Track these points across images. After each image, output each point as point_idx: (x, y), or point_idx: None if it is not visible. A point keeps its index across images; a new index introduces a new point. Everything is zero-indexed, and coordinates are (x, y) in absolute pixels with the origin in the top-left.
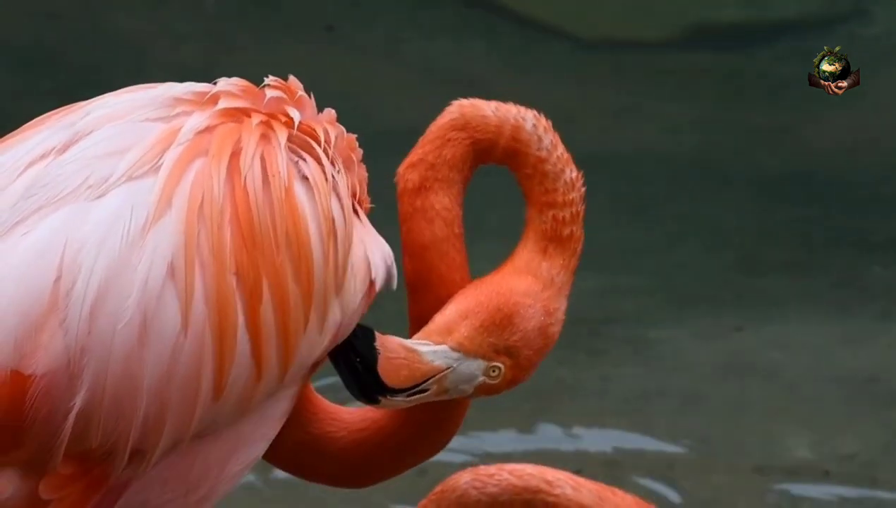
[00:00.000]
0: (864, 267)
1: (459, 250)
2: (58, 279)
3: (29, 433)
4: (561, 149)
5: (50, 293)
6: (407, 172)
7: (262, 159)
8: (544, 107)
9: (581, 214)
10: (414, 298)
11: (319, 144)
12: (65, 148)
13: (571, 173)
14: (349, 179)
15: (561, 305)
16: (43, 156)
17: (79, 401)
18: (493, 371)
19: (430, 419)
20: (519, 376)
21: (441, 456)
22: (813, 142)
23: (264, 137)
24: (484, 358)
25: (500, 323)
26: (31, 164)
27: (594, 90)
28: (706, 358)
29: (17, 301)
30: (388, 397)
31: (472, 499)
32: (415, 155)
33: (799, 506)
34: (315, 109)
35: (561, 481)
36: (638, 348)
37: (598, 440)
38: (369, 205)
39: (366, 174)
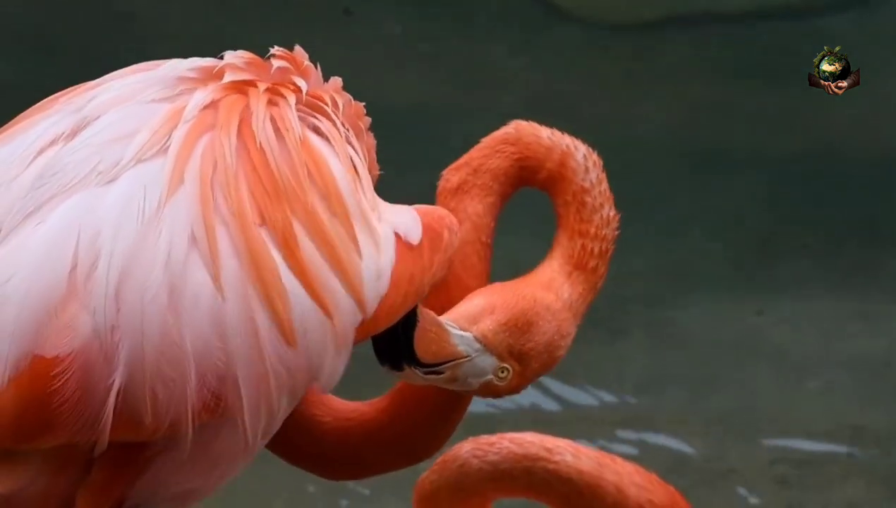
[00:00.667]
0: (877, 249)
1: (482, 258)
2: (74, 265)
3: (60, 415)
4: (605, 186)
5: (67, 280)
6: (449, 173)
7: (273, 120)
8: (553, 90)
9: (609, 253)
10: (430, 295)
11: (327, 112)
12: (72, 134)
13: (610, 211)
14: (360, 146)
15: (572, 331)
16: (52, 144)
17: (118, 378)
18: (503, 372)
19: (418, 423)
20: (519, 385)
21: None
22: (824, 124)
23: (272, 102)
24: (499, 356)
25: (521, 326)
26: (40, 152)
27: (601, 72)
28: (719, 341)
29: (34, 291)
30: (412, 367)
31: (474, 468)
32: (462, 159)
33: (813, 486)
34: (321, 79)
35: (561, 448)
36: (651, 331)
37: (608, 417)
38: (378, 173)
39: (373, 142)
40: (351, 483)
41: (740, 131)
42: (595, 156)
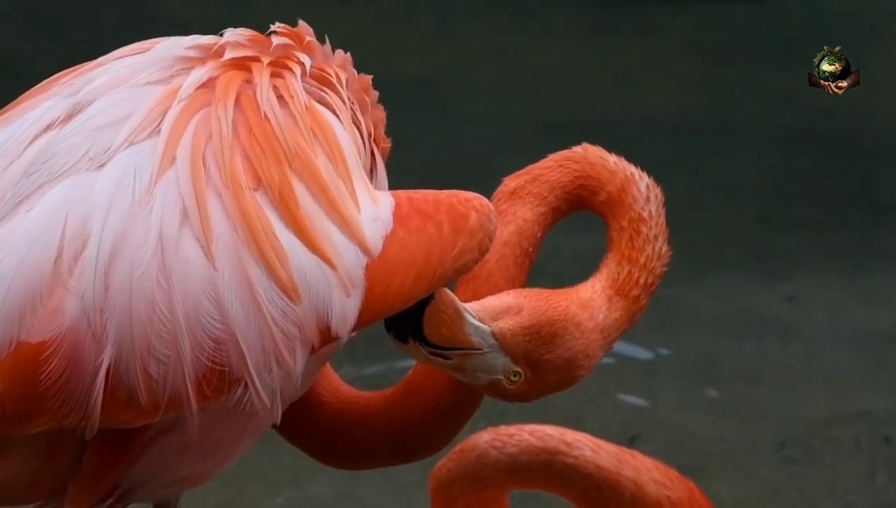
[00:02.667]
0: (881, 224)
1: (519, 265)
2: (62, 250)
3: (47, 399)
4: (662, 221)
5: (54, 265)
6: (509, 179)
7: (277, 88)
8: (557, 67)
9: (654, 287)
10: (459, 281)
11: (332, 85)
12: (67, 119)
13: (662, 246)
14: (364, 120)
15: (599, 355)
16: (46, 129)
17: (106, 358)
18: (514, 376)
19: (417, 418)
20: (529, 394)
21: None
22: (827, 101)
23: (276, 75)
24: (513, 358)
25: (544, 335)
26: (35, 138)
27: (605, 50)
28: (723, 316)
29: (20, 276)
30: (417, 343)
31: (492, 459)
32: (526, 168)
33: (816, 462)
34: (325, 54)
35: (580, 442)
36: (655, 306)
37: (615, 399)
38: (387, 145)
39: (382, 115)
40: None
41: (743, 108)
42: (657, 190)
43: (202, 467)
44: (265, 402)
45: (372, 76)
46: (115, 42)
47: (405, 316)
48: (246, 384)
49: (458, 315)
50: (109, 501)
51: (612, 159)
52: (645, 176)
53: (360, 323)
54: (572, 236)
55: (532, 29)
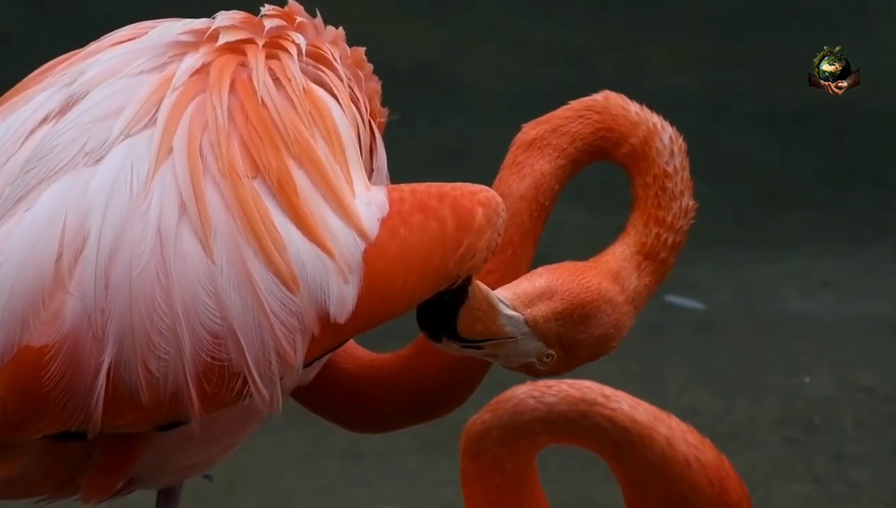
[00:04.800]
0: (882, 202)
1: (535, 219)
2: (62, 252)
3: (49, 403)
4: (687, 173)
5: (55, 267)
6: (528, 127)
7: (273, 71)
8: (560, 45)
9: (681, 245)
10: None
11: (329, 63)
12: (62, 111)
13: (689, 201)
14: (361, 96)
15: (629, 325)
16: (42, 122)
17: (107, 357)
18: (547, 357)
19: (432, 377)
20: (560, 370)
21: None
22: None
23: (272, 56)
24: (546, 343)
25: (577, 317)
26: (31, 132)
27: (608, 26)
28: (723, 294)
29: (21, 279)
30: (450, 341)
31: (529, 408)
32: (546, 116)
33: (819, 440)
34: (317, 30)
35: (619, 396)
36: None
37: (615, 379)
38: (384, 120)
39: (377, 87)
40: None
41: (746, 85)
42: (681, 141)
43: (206, 455)
44: (264, 395)
45: (364, 48)
46: (109, 23)
47: (438, 317)
48: (246, 377)
49: (492, 308)
50: (116, 489)
51: (635, 109)
52: (668, 126)
53: (363, 326)
54: (577, 213)
55: (532, 7)
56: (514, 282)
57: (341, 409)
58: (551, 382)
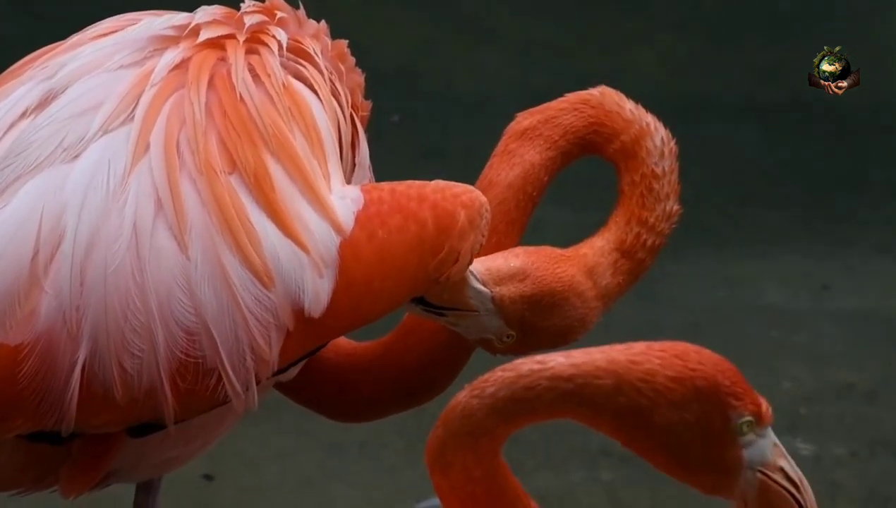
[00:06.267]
0: (862, 202)
1: (521, 208)
2: (37, 250)
3: (23, 401)
4: (675, 178)
5: (30, 266)
6: (522, 116)
7: (252, 67)
8: (543, 42)
9: (660, 248)
10: None
11: (309, 57)
12: (41, 105)
13: (673, 206)
14: (343, 89)
15: (594, 320)
16: (21, 116)
17: (82, 354)
18: (507, 337)
19: (413, 360)
20: (518, 352)
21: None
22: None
23: (252, 51)
24: (508, 323)
25: (544, 305)
26: (10, 127)
27: (589, 24)
28: (705, 294)
29: None
30: (414, 304)
31: (475, 407)
32: (539, 106)
33: (799, 437)
34: (298, 23)
35: (552, 356)
36: (638, 284)
37: None
38: (366, 114)
39: (360, 79)
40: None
41: (728, 82)
42: (672, 144)
43: (184, 451)
44: (238, 392)
45: (347, 41)
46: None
47: None
48: (220, 374)
49: (462, 280)
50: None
51: (629, 106)
52: (661, 127)
53: (340, 328)
54: (559, 210)
55: (516, 5)
56: (489, 257)
57: (325, 399)
58: (485, 376)
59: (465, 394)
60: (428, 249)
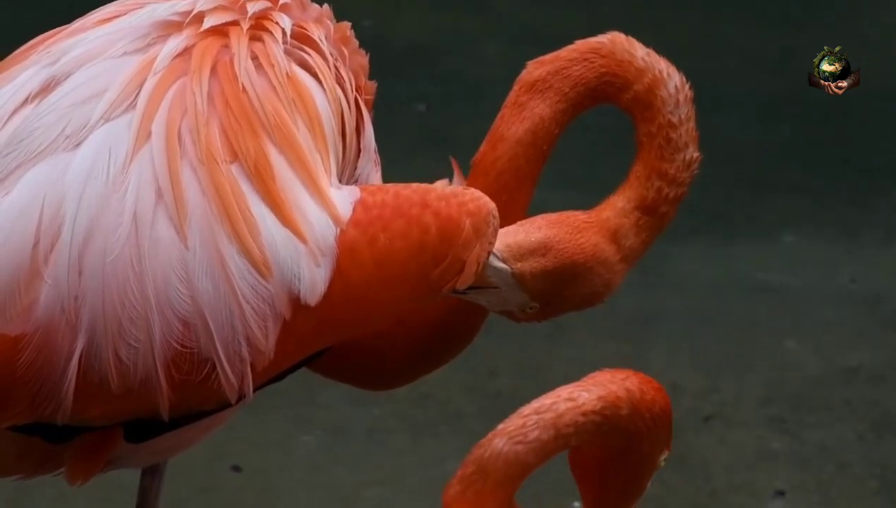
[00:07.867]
0: (869, 187)
1: (532, 162)
2: (38, 239)
3: (21, 389)
4: (692, 124)
5: (31, 255)
6: (533, 66)
7: (256, 56)
8: (546, 26)
9: (682, 198)
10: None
11: (313, 43)
12: (44, 92)
13: (693, 153)
14: (347, 74)
15: (619, 281)
16: (24, 103)
17: (80, 344)
18: (529, 308)
19: (439, 320)
20: (541, 318)
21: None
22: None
23: (255, 39)
24: (531, 296)
25: (567, 277)
26: (13, 113)
27: (593, 9)
28: (711, 278)
29: None
30: None
31: (521, 455)
32: (551, 55)
33: (806, 420)
34: (302, 7)
35: (574, 389)
36: (644, 268)
37: (603, 360)
38: (371, 97)
39: (364, 61)
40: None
41: (733, 69)
42: (688, 90)
43: (185, 438)
44: (232, 381)
45: (351, 24)
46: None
47: None
48: (214, 364)
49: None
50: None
51: (641, 54)
52: (675, 73)
53: (338, 334)
54: (562, 192)
55: None
56: (511, 230)
57: (349, 367)
58: (518, 421)
59: (504, 444)
60: (430, 257)
